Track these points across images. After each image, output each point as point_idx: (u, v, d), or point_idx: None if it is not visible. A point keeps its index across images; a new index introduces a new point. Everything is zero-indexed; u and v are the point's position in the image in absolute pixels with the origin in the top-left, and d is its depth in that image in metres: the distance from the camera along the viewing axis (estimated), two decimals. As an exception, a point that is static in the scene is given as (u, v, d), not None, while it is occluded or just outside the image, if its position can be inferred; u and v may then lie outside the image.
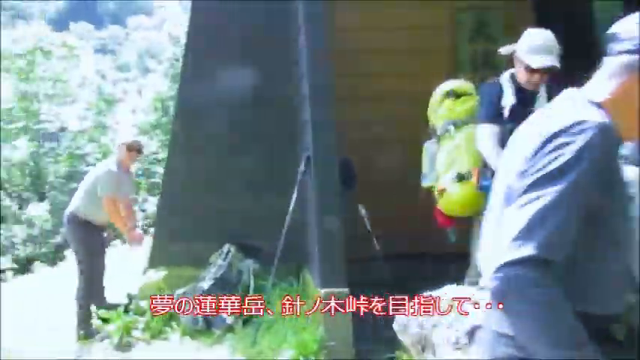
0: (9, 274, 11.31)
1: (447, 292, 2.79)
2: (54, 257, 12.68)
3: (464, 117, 3.56)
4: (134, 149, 5.25)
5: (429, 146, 3.75)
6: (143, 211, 15.07)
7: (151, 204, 15.06)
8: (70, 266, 10.25)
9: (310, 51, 4.22)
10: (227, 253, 5.00)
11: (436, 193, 3.60)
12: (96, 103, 16.24)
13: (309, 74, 4.22)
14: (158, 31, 29.75)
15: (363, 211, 4.62)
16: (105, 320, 4.92)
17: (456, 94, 3.62)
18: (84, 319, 5.04)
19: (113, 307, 5.07)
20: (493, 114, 3.41)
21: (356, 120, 5.02)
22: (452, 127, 3.55)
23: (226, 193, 5.34)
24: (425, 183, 3.76)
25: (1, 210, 15.02)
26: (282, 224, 4.47)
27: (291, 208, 4.37)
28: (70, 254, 11.22)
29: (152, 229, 11.73)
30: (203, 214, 5.33)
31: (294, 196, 4.38)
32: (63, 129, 16.13)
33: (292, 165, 5.10)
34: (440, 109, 3.63)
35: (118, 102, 17.21)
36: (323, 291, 3.84)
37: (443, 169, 3.54)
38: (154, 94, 16.41)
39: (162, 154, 15.84)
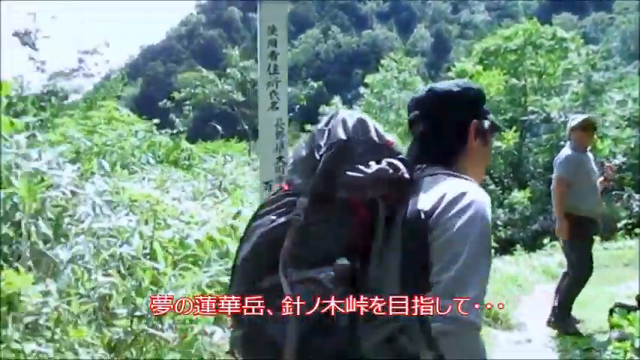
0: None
1: None
2: (532, 243, 13.20)
3: None
4: (587, 128, 5.09)
5: None
6: (626, 208, 14.02)
7: (636, 201, 13.90)
8: (547, 254, 10.51)
9: None
10: None
11: None
12: (582, 94, 15.97)
13: None
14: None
15: None
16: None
17: None
18: (560, 310, 5.05)
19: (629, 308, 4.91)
20: None
21: None
22: None
23: None
24: None
25: (489, 194, 16.49)
26: None
27: None
28: (547, 243, 11.50)
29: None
30: None
31: None
32: (547, 120, 16.50)
33: None
34: None
35: (605, 92, 16.52)
36: None
37: None
38: (648, 82, 15.01)
39: (654, 149, 14.37)
